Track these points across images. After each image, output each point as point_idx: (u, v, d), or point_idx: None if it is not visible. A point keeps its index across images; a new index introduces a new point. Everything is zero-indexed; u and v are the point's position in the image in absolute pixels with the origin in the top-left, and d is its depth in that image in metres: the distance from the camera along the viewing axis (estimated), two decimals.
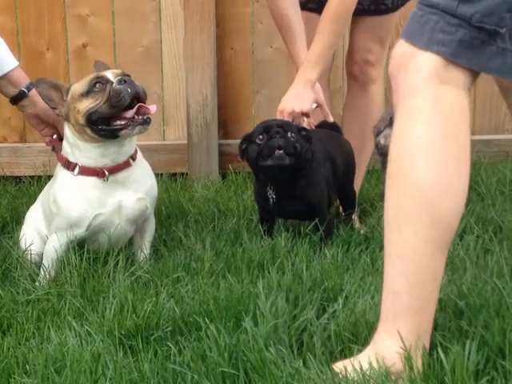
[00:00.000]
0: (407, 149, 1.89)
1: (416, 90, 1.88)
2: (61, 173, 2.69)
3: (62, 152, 2.70)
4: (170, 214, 3.23)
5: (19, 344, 2.19)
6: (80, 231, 2.64)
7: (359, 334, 2.07)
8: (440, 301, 2.08)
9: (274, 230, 2.97)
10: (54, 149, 2.89)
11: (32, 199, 3.12)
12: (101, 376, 1.96)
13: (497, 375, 1.87)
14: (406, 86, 1.90)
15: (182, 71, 3.96)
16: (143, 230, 2.79)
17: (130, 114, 2.58)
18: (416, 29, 1.90)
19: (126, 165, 2.66)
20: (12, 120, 4.02)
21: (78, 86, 2.64)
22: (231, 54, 4.03)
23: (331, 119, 3.15)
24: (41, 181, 3.73)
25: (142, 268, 2.62)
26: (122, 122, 2.59)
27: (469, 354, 1.85)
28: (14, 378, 2.00)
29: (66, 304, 2.38)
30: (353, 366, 1.90)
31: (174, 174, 3.90)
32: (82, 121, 2.60)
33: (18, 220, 3.09)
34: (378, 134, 3.19)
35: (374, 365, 1.87)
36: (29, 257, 2.72)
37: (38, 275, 2.66)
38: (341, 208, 3.23)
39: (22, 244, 2.76)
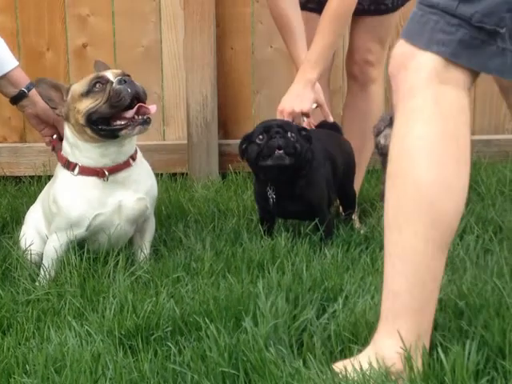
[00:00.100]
0: (407, 149, 1.89)
1: (416, 89, 1.88)
2: (61, 173, 2.69)
3: (62, 152, 2.70)
4: (170, 214, 3.22)
5: (19, 344, 2.19)
6: (80, 231, 2.64)
7: (359, 334, 2.07)
8: (440, 301, 2.08)
9: (273, 229, 2.96)
10: (53, 149, 2.89)
11: (32, 199, 3.12)
12: (101, 376, 1.96)
13: (497, 375, 1.87)
14: (406, 85, 1.90)
15: (181, 71, 3.96)
16: (143, 229, 2.79)
17: (130, 114, 2.58)
18: (416, 29, 1.90)
19: (126, 165, 2.66)
20: (12, 120, 4.02)
21: (78, 86, 2.64)
22: (231, 54, 4.03)
23: (331, 119, 3.15)
24: (41, 181, 3.73)
25: (142, 268, 2.62)
26: (122, 122, 2.59)
27: (469, 353, 1.85)
28: (14, 378, 2.00)
29: (65, 304, 2.38)
30: (353, 365, 1.90)
31: (174, 174, 3.90)
32: (81, 121, 2.60)
33: (18, 220, 3.09)
34: (378, 133, 3.19)
35: (374, 365, 1.87)
36: (29, 257, 2.72)
37: (37, 275, 2.66)
38: (341, 208, 3.23)
39: (22, 244, 2.76)
